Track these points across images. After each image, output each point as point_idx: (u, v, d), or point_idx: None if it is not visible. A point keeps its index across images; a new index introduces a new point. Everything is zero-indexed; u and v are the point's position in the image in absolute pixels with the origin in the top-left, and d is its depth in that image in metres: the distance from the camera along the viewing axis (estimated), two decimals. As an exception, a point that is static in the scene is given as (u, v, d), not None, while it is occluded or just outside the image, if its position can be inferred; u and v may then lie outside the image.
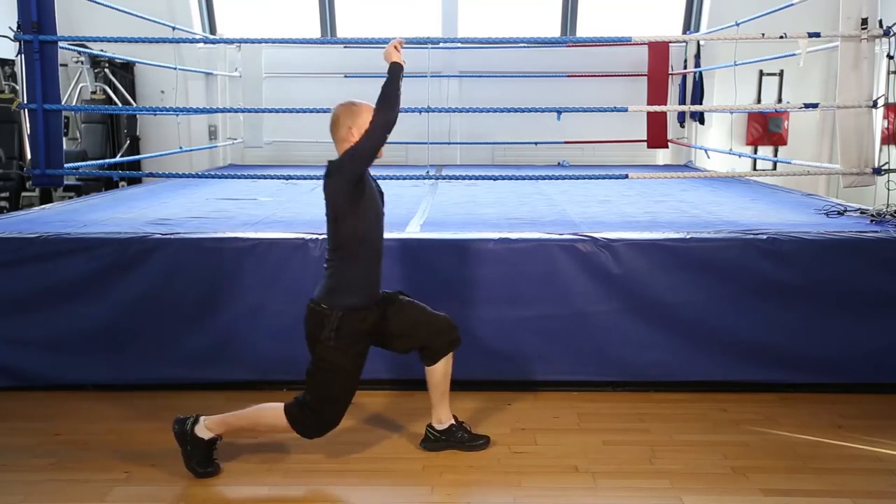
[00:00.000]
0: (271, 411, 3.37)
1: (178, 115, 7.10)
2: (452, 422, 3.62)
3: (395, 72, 3.40)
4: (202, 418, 3.37)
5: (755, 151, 9.51)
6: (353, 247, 3.32)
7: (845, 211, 5.21)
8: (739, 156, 8.03)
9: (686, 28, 9.82)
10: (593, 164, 9.20)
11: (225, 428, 3.38)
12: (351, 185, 3.26)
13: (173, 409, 4.09)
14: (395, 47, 3.51)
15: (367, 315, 3.36)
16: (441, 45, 8.93)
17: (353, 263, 3.33)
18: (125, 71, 9.38)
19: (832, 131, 8.98)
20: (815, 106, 5.84)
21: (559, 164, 9.28)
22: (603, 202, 5.95)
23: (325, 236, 4.31)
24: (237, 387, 4.33)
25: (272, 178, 5.96)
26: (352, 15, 9.85)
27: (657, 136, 9.19)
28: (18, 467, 3.50)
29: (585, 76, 9.28)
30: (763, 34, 5.49)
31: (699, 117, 9.31)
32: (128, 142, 9.31)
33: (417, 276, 4.30)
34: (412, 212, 5.39)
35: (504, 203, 5.87)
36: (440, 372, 3.54)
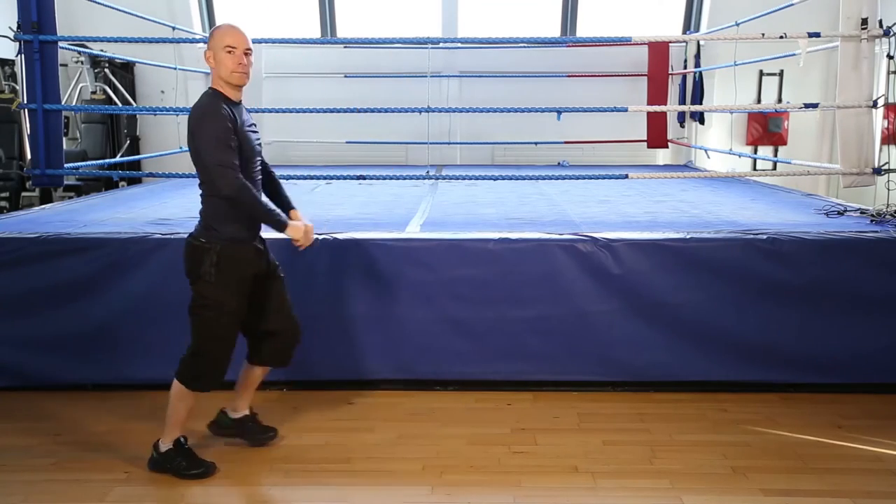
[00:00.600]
0: (173, 385, 3.39)
1: (178, 115, 7.07)
2: (247, 412, 3.67)
3: (274, 225, 3.30)
4: (159, 440, 3.43)
5: (755, 151, 9.51)
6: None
7: (845, 211, 5.21)
8: (739, 156, 8.04)
9: (686, 28, 9.82)
10: (593, 164, 9.20)
11: (169, 429, 3.41)
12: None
13: (173, 409, 4.11)
14: (305, 234, 3.40)
15: (249, 251, 3.31)
16: (441, 45, 8.93)
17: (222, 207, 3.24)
18: (125, 71, 9.37)
19: (832, 131, 8.98)
20: (815, 106, 5.84)
21: (559, 164, 9.28)
22: (603, 202, 5.95)
23: (324, 236, 4.34)
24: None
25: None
26: (352, 15, 9.84)
27: (657, 136, 9.19)
28: (18, 467, 3.50)
29: (585, 76, 9.28)
30: (763, 34, 5.49)
31: (699, 117, 9.31)
32: (128, 142, 9.30)
33: (417, 276, 4.30)
34: (412, 212, 5.39)
35: (504, 203, 5.87)
36: (259, 373, 3.64)
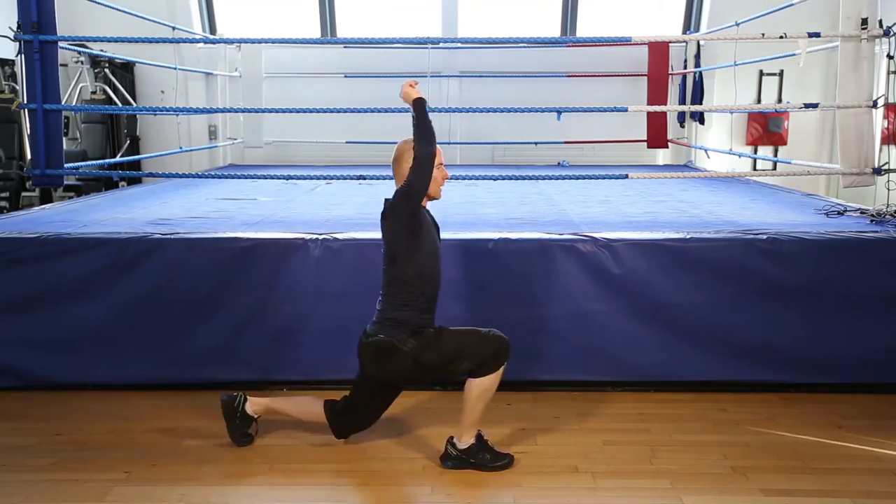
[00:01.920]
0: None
1: (178, 115, 7.11)
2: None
3: (421, 106, 3.40)
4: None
5: (755, 151, 9.51)
6: (411, 286, 3.36)
7: (845, 211, 5.21)
8: (739, 156, 8.04)
9: (686, 28, 9.82)
10: (593, 164, 9.20)
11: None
12: (407, 221, 3.31)
13: (173, 409, 4.11)
14: (411, 85, 3.50)
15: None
16: (441, 45, 8.94)
17: (408, 300, 3.38)
18: (125, 71, 9.38)
19: (832, 131, 8.98)
20: (815, 106, 5.84)
21: (559, 164, 9.28)
22: (603, 202, 5.95)
23: (324, 236, 4.35)
24: (237, 387, 4.32)
25: (272, 178, 5.96)
26: (352, 15, 9.85)
27: (657, 136, 9.19)
28: (18, 467, 3.49)
29: (585, 76, 9.28)
30: (763, 34, 5.49)
31: (699, 117, 9.31)
32: (128, 142, 9.31)
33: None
34: (412, 212, 5.38)
35: (504, 203, 5.87)
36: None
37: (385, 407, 3.65)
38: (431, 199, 3.46)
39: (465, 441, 3.43)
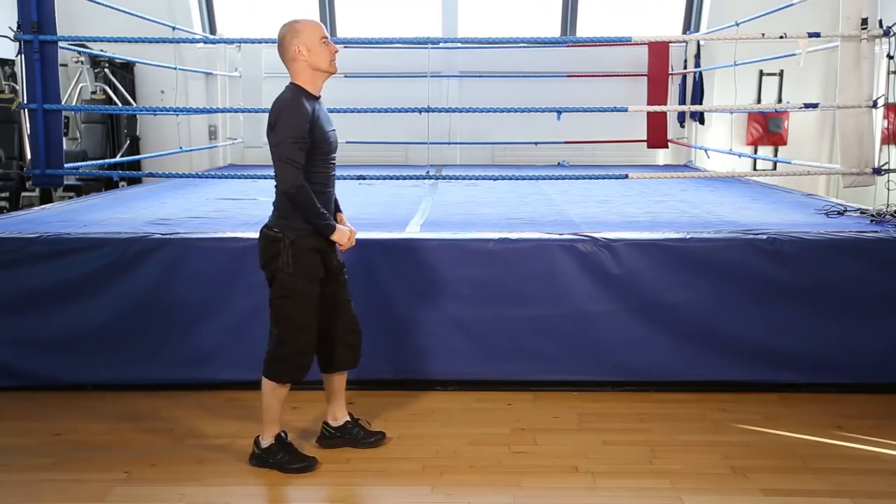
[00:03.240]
0: (263, 384, 3.42)
1: (178, 115, 7.10)
2: (348, 419, 3.65)
3: (323, 228, 3.32)
4: (258, 437, 3.46)
5: (755, 151, 9.51)
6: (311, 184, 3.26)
7: (845, 211, 5.21)
8: (739, 156, 8.04)
9: (686, 28, 9.82)
10: (593, 164, 9.20)
11: (268, 426, 3.44)
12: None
13: (173, 409, 4.12)
14: (349, 239, 3.45)
15: (321, 241, 3.35)
16: (441, 45, 8.93)
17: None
18: (125, 71, 9.37)
19: (832, 131, 8.98)
20: (815, 106, 5.84)
21: (559, 164, 9.28)
22: (603, 202, 5.95)
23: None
24: (237, 387, 4.33)
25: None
26: (352, 15, 9.85)
27: (657, 136, 9.19)
28: (18, 467, 3.50)
29: (585, 76, 9.28)
30: (763, 34, 5.49)
31: (699, 117, 9.31)
32: (128, 142, 9.30)
33: (417, 276, 4.30)
34: (412, 212, 5.39)
35: (504, 203, 5.87)
36: (340, 378, 3.62)
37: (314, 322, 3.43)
38: (328, 72, 3.35)
39: (266, 441, 3.45)
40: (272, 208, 3.37)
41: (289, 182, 3.19)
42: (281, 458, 3.42)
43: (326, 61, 3.33)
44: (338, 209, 3.57)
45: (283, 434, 3.47)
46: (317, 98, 3.36)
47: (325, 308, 3.45)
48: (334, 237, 3.36)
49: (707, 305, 4.27)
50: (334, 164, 3.43)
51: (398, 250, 4.33)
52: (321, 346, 3.53)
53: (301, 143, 3.18)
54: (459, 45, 9.24)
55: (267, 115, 3.33)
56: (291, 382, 3.42)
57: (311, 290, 3.34)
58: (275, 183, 3.33)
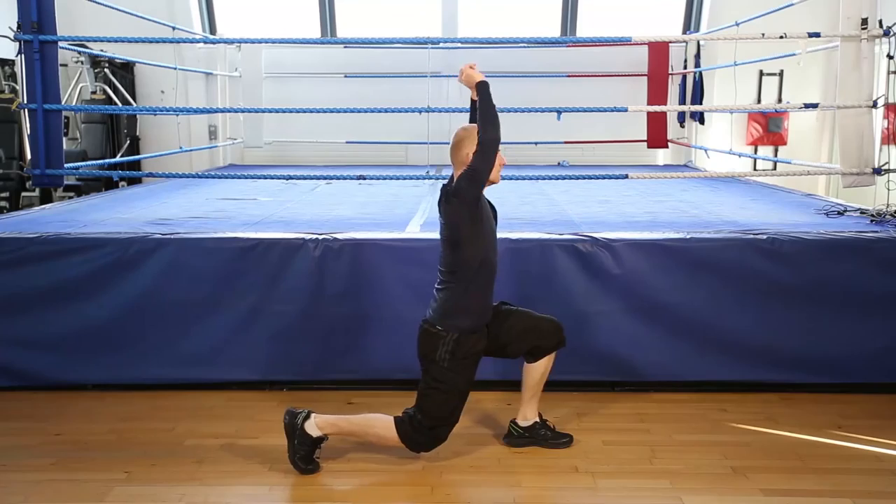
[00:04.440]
0: (381, 422, 3.43)
1: (178, 115, 7.10)
2: (536, 419, 3.65)
3: (485, 90, 3.37)
4: (313, 415, 3.40)
5: (755, 151, 9.51)
6: (471, 270, 3.33)
7: (845, 211, 5.21)
8: (739, 156, 8.04)
9: (686, 28, 9.82)
10: (593, 164, 9.19)
11: (334, 430, 3.42)
12: (470, 207, 3.30)
13: (173, 409, 4.12)
14: (471, 67, 3.48)
15: (480, 338, 3.41)
16: (441, 45, 8.93)
17: (469, 286, 3.34)
18: (125, 71, 9.38)
19: (832, 131, 8.98)
20: (815, 106, 5.84)
21: (559, 164, 9.28)
22: (603, 202, 5.95)
23: (324, 236, 4.34)
24: (237, 387, 4.34)
25: (272, 178, 5.97)
26: (352, 15, 9.85)
27: (657, 136, 9.19)
28: (18, 467, 3.50)
29: (585, 76, 9.28)
30: (763, 34, 5.49)
31: (699, 117, 9.31)
32: (128, 142, 9.30)
33: (417, 276, 4.30)
34: (412, 212, 5.39)
35: (504, 203, 5.83)
36: (539, 371, 3.59)
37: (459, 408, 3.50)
38: (491, 183, 3.43)
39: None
40: (434, 303, 3.40)
41: (489, 136, 3.26)
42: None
43: (497, 173, 3.41)
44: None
45: (324, 437, 3.40)
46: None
47: (504, 340, 3.52)
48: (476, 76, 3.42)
49: (707, 305, 4.27)
50: (492, 272, 3.43)
51: (398, 250, 4.32)
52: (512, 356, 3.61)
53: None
54: (459, 45, 9.22)
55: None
56: (415, 451, 3.45)
57: (461, 382, 3.37)
58: (438, 278, 3.39)
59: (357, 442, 3.57)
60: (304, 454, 3.39)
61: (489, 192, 3.48)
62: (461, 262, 3.33)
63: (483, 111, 3.31)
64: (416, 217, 5.16)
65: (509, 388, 4.32)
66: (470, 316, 3.35)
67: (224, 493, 3.29)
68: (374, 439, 3.47)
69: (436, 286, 3.42)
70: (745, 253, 4.27)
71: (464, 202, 3.28)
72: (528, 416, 3.65)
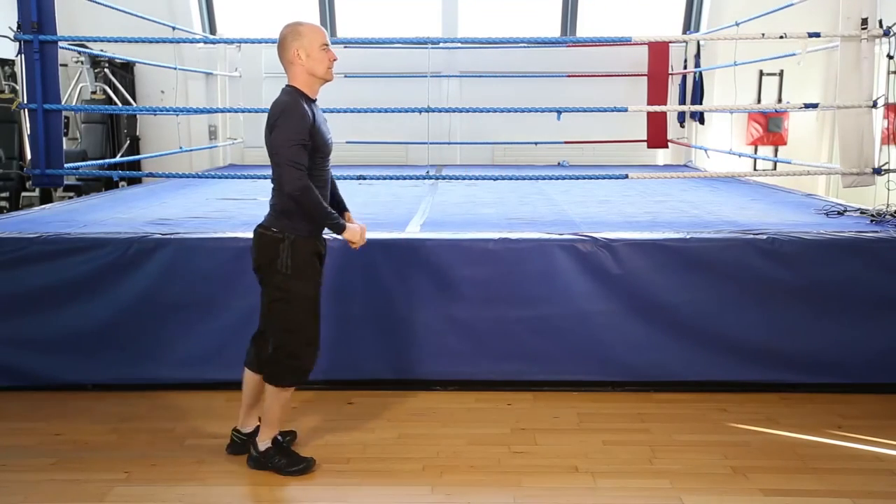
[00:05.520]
0: (264, 388, 3.41)
1: (178, 115, 7.09)
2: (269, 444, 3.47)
3: (333, 227, 3.29)
4: (255, 440, 3.45)
5: (755, 151, 9.51)
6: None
7: (845, 211, 5.21)
8: (739, 156, 8.04)
9: (686, 28, 9.82)
10: (593, 164, 9.20)
11: (267, 429, 3.41)
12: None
13: (173, 409, 4.12)
14: (360, 236, 3.42)
15: (318, 240, 3.35)
16: (441, 45, 8.93)
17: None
18: (125, 71, 9.38)
19: (832, 131, 8.98)
20: (815, 106, 5.84)
21: (559, 164, 9.28)
22: (603, 202, 5.95)
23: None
24: (237, 387, 4.32)
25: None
26: (352, 15, 9.85)
27: (657, 136, 9.19)
28: (18, 467, 3.50)
29: (585, 76, 9.28)
30: (763, 34, 5.49)
31: (699, 117, 9.31)
32: (128, 142, 9.31)
33: (417, 276, 4.31)
34: (412, 212, 5.39)
35: (504, 203, 5.87)
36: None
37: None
38: (324, 79, 3.34)
39: (263, 445, 3.43)
40: (269, 208, 3.35)
41: (294, 184, 3.15)
42: (278, 461, 3.40)
43: (324, 68, 3.31)
44: (345, 208, 3.56)
45: (279, 437, 3.46)
46: (313, 101, 3.36)
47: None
48: (346, 235, 3.35)
49: (707, 305, 4.27)
50: (329, 166, 3.42)
51: (398, 250, 4.32)
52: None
53: (303, 144, 3.18)
54: (459, 45, 9.24)
55: (266, 116, 3.31)
56: (292, 386, 3.40)
57: (308, 292, 3.31)
58: (272, 182, 3.31)
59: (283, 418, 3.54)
60: (289, 461, 3.40)
61: None
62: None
63: (313, 210, 3.21)
64: (416, 217, 5.16)
65: (509, 389, 4.33)
66: (304, 218, 3.24)
67: (224, 493, 3.29)
68: (268, 405, 3.39)
69: (272, 191, 3.32)
70: (745, 253, 4.27)
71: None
72: (247, 424, 3.53)
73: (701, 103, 8.96)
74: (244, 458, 3.54)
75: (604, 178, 5.84)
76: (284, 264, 3.24)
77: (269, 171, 3.34)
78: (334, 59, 3.34)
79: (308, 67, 3.29)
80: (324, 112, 5.65)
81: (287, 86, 3.35)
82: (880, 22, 4.93)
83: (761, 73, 9.34)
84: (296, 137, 3.16)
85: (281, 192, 3.25)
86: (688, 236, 4.37)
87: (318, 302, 3.36)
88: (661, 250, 4.29)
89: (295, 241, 3.25)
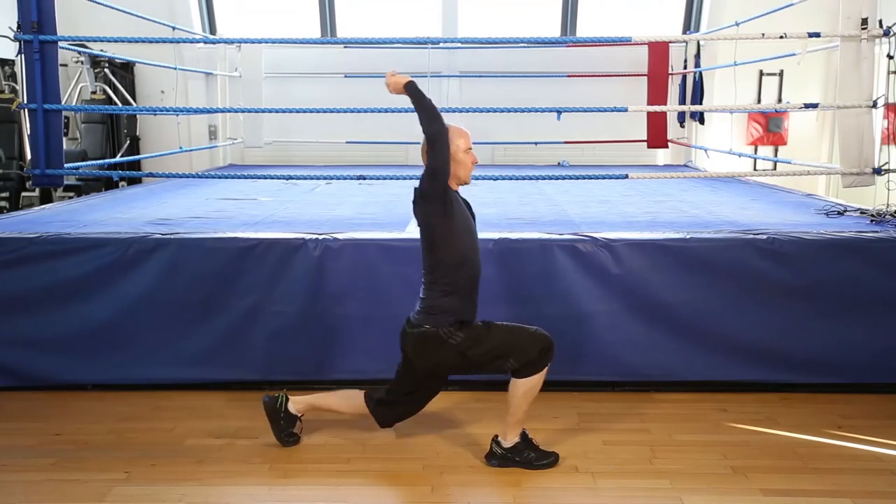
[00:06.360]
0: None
1: (178, 115, 7.10)
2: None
3: (414, 89, 3.40)
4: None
5: (755, 151, 9.51)
6: (450, 270, 3.34)
7: (845, 211, 5.21)
8: (739, 156, 8.04)
9: (686, 28, 9.82)
10: (593, 164, 9.20)
11: (515, 426, 3.45)
12: (438, 202, 3.29)
13: (173, 409, 4.12)
14: (392, 74, 3.50)
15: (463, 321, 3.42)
16: (441, 45, 8.93)
17: (449, 287, 3.36)
18: (125, 71, 9.38)
19: (832, 131, 8.98)
20: (815, 106, 5.84)
21: (559, 164, 9.28)
22: (603, 202, 5.95)
23: (324, 236, 4.35)
24: (237, 387, 4.34)
25: (272, 178, 5.96)
26: (352, 15, 9.85)
27: (657, 136, 9.19)
28: (18, 467, 3.50)
29: (585, 76, 9.28)
30: (763, 34, 5.49)
31: (699, 117, 9.31)
32: (128, 142, 9.31)
33: (417, 276, 4.29)
34: (412, 212, 5.37)
35: (504, 203, 5.87)
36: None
37: (430, 397, 3.62)
38: (462, 182, 3.43)
39: (511, 439, 3.46)
40: (417, 306, 3.43)
41: (430, 132, 3.25)
42: (527, 455, 3.44)
43: (466, 172, 3.41)
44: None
45: (526, 432, 3.47)
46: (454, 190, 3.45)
47: None
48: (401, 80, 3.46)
49: (707, 305, 4.27)
50: (474, 271, 3.44)
51: (398, 250, 4.32)
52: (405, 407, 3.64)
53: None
54: (459, 45, 9.24)
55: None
56: (547, 365, 3.39)
57: (485, 330, 3.40)
58: (423, 280, 3.42)
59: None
60: (536, 455, 3.44)
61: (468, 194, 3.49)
62: (439, 263, 3.34)
63: (419, 108, 3.33)
64: (416, 217, 5.15)
65: (504, 389, 4.32)
66: (453, 316, 3.36)
67: (224, 493, 3.29)
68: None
69: (420, 293, 3.45)
70: (745, 253, 4.27)
71: (428, 199, 3.30)
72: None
73: (701, 103, 8.96)
74: (244, 457, 3.54)
75: (604, 178, 5.84)
76: (455, 337, 3.34)
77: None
78: (475, 162, 3.44)
79: (452, 170, 3.34)
80: (324, 111, 5.68)
81: None
82: (880, 22, 4.93)
83: (761, 73, 9.35)
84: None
85: (431, 294, 3.37)
86: (688, 236, 4.37)
87: (494, 324, 3.45)
88: (661, 250, 4.29)
89: (451, 322, 3.36)
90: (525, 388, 3.37)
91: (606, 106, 5.83)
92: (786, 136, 9.60)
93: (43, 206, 6.13)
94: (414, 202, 3.39)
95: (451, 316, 3.36)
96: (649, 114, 8.98)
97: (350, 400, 3.63)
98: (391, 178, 5.73)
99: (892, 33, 4.90)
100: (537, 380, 3.37)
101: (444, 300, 3.35)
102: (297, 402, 3.66)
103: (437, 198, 3.29)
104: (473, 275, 3.42)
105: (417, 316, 3.41)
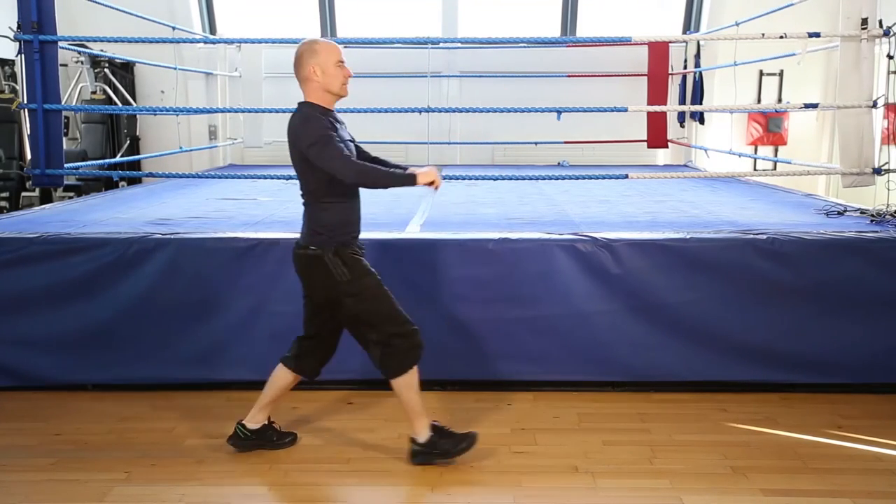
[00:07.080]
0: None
1: (178, 115, 7.10)
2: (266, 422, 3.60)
3: (404, 182, 3.46)
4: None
5: (755, 151, 9.51)
6: (326, 185, 3.32)
7: (845, 211, 5.21)
8: (739, 156, 8.04)
9: (686, 28, 9.82)
10: (593, 164, 9.20)
11: (418, 420, 3.44)
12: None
13: (173, 409, 4.12)
14: (436, 174, 3.50)
15: (358, 250, 3.41)
16: (441, 45, 8.93)
17: (328, 201, 3.35)
18: (125, 71, 9.38)
19: (832, 131, 8.98)
20: (815, 106, 5.84)
21: (559, 164, 9.28)
22: (603, 202, 5.95)
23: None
24: (237, 387, 4.33)
25: (272, 178, 5.96)
26: (352, 15, 9.85)
27: (657, 136, 9.19)
28: (18, 467, 3.50)
29: (585, 76, 9.28)
30: (763, 34, 5.49)
31: (699, 117, 9.31)
32: (128, 142, 9.31)
33: (417, 276, 4.30)
34: (412, 212, 5.38)
35: (504, 203, 5.87)
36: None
37: (337, 330, 3.53)
38: (339, 96, 3.40)
39: (422, 434, 3.45)
40: (302, 226, 3.40)
41: (349, 174, 3.26)
42: (443, 444, 3.44)
43: (338, 84, 3.35)
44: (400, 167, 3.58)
45: (434, 422, 3.47)
46: (331, 111, 3.41)
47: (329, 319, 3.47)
48: (422, 180, 3.42)
49: (707, 305, 4.27)
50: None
51: (398, 250, 4.32)
52: (303, 339, 3.55)
53: (330, 135, 3.23)
54: (459, 45, 9.24)
55: (286, 135, 3.35)
56: (414, 365, 3.38)
57: (372, 281, 3.38)
58: (302, 199, 3.37)
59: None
60: (451, 441, 3.44)
61: None
62: (315, 179, 3.32)
63: (378, 177, 3.44)
64: (416, 217, 5.16)
65: (509, 389, 4.32)
66: (337, 229, 3.34)
67: (224, 493, 3.29)
68: (404, 398, 3.43)
69: (303, 210, 3.39)
70: (745, 253, 4.27)
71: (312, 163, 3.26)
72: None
73: (701, 103, 8.96)
74: (243, 457, 3.54)
75: (604, 178, 5.84)
76: (342, 274, 3.31)
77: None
78: (349, 76, 3.39)
79: (323, 84, 3.32)
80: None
81: (303, 102, 3.38)
82: (880, 22, 4.93)
83: (761, 73, 9.35)
84: (324, 132, 3.23)
85: (315, 206, 3.34)
86: (688, 236, 4.37)
87: (382, 284, 3.40)
88: (661, 250, 4.29)
89: (337, 250, 3.33)
90: (399, 386, 3.38)
91: (606, 106, 5.83)
92: (786, 136, 9.60)
93: (43, 206, 6.13)
94: (292, 130, 3.32)
95: (333, 232, 3.32)
96: (649, 114, 8.98)
97: (279, 377, 3.56)
98: (391, 178, 5.72)
99: (892, 33, 4.90)
100: (408, 378, 3.37)
101: (324, 216, 3.33)
102: (251, 418, 3.58)
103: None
104: (350, 191, 3.41)
105: (302, 238, 3.39)
